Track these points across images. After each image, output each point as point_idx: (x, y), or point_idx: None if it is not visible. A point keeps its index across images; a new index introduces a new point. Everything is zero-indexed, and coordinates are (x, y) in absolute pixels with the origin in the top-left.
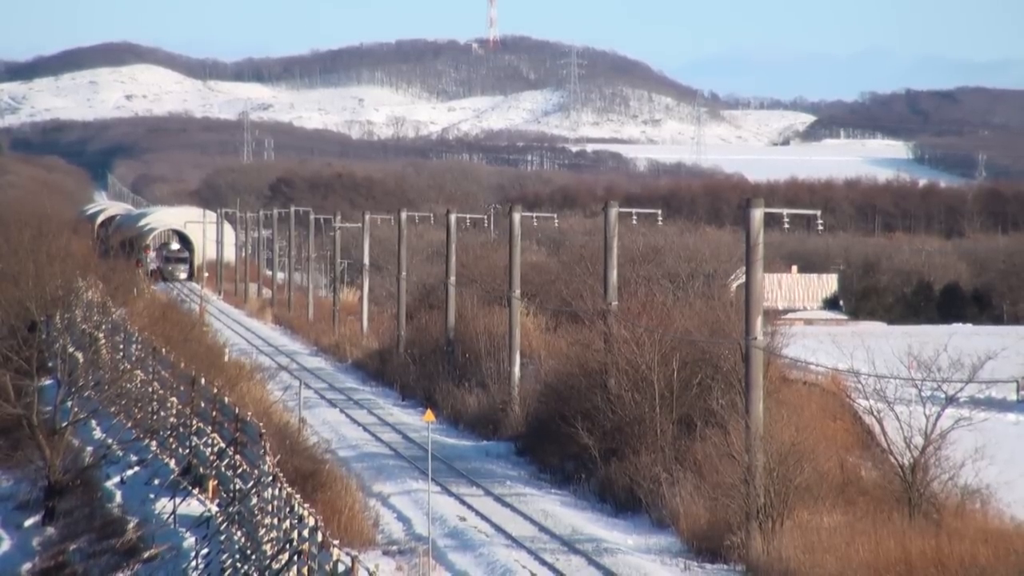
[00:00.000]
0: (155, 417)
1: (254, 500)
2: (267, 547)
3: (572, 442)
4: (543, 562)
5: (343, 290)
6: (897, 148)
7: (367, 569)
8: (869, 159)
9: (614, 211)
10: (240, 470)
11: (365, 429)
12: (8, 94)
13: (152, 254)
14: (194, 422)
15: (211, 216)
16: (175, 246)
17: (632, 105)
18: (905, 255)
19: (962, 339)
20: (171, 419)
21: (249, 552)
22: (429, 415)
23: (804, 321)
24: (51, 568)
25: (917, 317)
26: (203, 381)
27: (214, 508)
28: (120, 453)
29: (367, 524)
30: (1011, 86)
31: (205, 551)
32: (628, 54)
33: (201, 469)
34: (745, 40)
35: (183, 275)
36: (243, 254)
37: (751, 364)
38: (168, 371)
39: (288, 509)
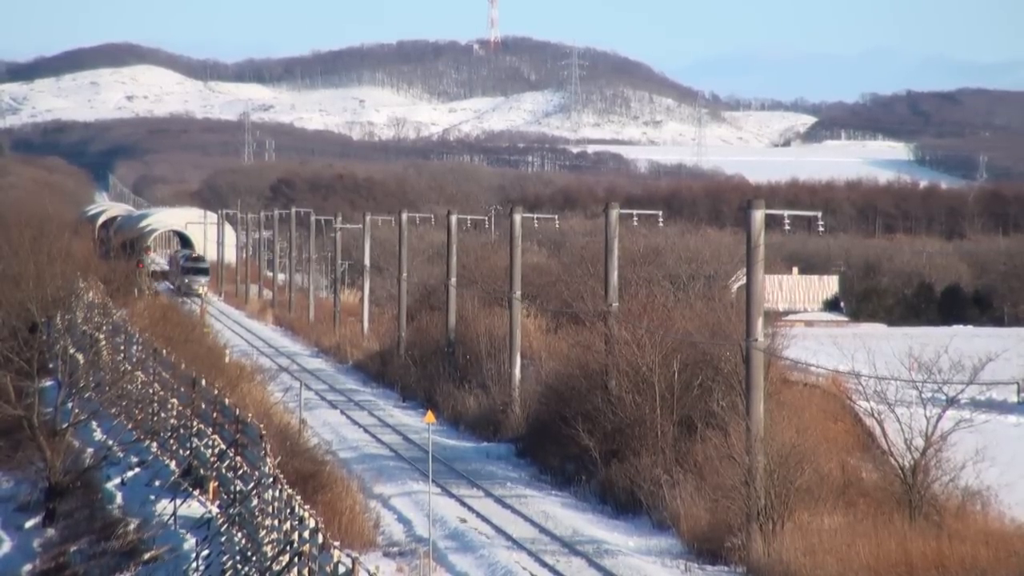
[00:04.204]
0: (156, 418)
1: (255, 501)
2: (268, 548)
3: (573, 443)
4: (544, 564)
5: (344, 291)
6: (898, 149)
7: (368, 570)
8: (870, 160)
9: (615, 212)
10: (241, 471)
11: (366, 430)
12: (9, 95)
13: (155, 257)
14: (195, 423)
15: (212, 217)
16: (194, 253)
17: (633, 106)
18: (906, 256)
19: (963, 341)
20: (172, 420)
21: (250, 553)
22: (430, 416)
23: (805, 323)
24: (52, 569)
25: (918, 319)
26: (204, 382)
27: (215, 509)
28: (121, 454)
29: (368, 526)
30: (1014, 87)
31: (206, 552)
32: (629, 55)
33: (202, 470)
34: (747, 41)
35: (203, 288)
36: (244, 255)
37: (752, 365)
38: (169, 372)
39: (289, 510)
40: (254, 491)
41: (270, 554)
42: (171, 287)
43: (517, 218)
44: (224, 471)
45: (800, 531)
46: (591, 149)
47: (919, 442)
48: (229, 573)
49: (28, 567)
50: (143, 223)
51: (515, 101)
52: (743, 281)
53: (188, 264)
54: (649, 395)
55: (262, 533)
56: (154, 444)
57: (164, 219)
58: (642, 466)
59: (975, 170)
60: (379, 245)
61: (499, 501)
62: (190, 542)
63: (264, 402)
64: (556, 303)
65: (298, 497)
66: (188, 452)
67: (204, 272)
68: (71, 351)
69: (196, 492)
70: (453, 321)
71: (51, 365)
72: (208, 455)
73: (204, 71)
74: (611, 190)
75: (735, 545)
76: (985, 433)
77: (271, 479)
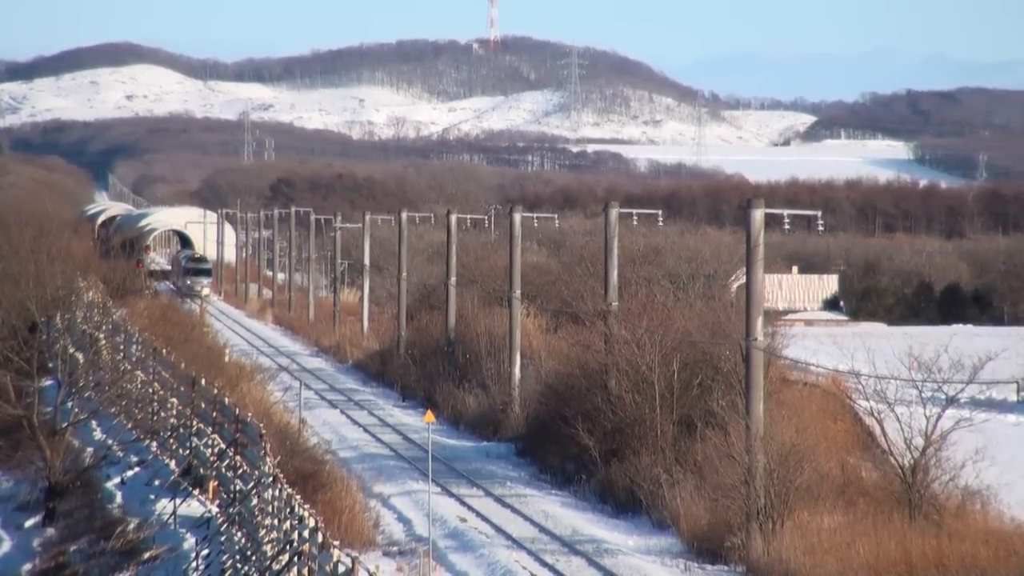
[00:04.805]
0: (155, 418)
1: (254, 501)
2: (267, 548)
3: (572, 443)
4: (543, 563)
5: (343, 291)
6: (898, 149)
7: (367, 570)
8: (870, 160)
9: (614, 212)
10: (240, 471)
11: (365, 430)
12: (9, 94)
13: (155, 256)
14: (194, 423)
15: (212, 216)
16: (196, 253)
17: (633, 106)
18: (906, 256)
19: (963, 340)
20: (171, 420)
21: (249, 553)
22: (429, 416)
23: (804, 322)
24: (51, 569)
25: (918, 318)
26: (203, 382)
27: (214, 509)
28: (120, 454)
29: (367, 525)
30: (1014, 87)
31: (205, 552)
32: (629, 54)
33: (201, 470)
34: (747, 41)
35: (206, 290)
36: (243, 255)
37: (751, 365)
38: (168, 372)
39: (288, 510)
40: (254, 490)
41: (270, 553)
42: (173, 288)
43: (517, 217)
44: (224, 470)
45: (800, 530)
46: (591, 148)
47: (919, 441)
48: (229, 572)
49: (28, 567)
50: (143, 222)
51: (515, 101)
52: (743, 280)
53: (190, 265)
54: (649, 394)
55: (262, 532)
56: (154, 443)
57: (164, 218)
58: (642, 465)
59: (975, 169)
60: (379, 244)
61: (499, 500)
62: (190, 541)
63: (264, 401)
64: (556, 303)
65: (298, 496)
66: (188, 451)
67: (207, 273)
68: (71, 350)
69: (196, 491)
70: (453, 321)
71: (51, 364)
72: (208, 454)
73: (204, 71)
74: (611, 189)
75: (735, 544)
76: (985, 432)
77: (271, 478)
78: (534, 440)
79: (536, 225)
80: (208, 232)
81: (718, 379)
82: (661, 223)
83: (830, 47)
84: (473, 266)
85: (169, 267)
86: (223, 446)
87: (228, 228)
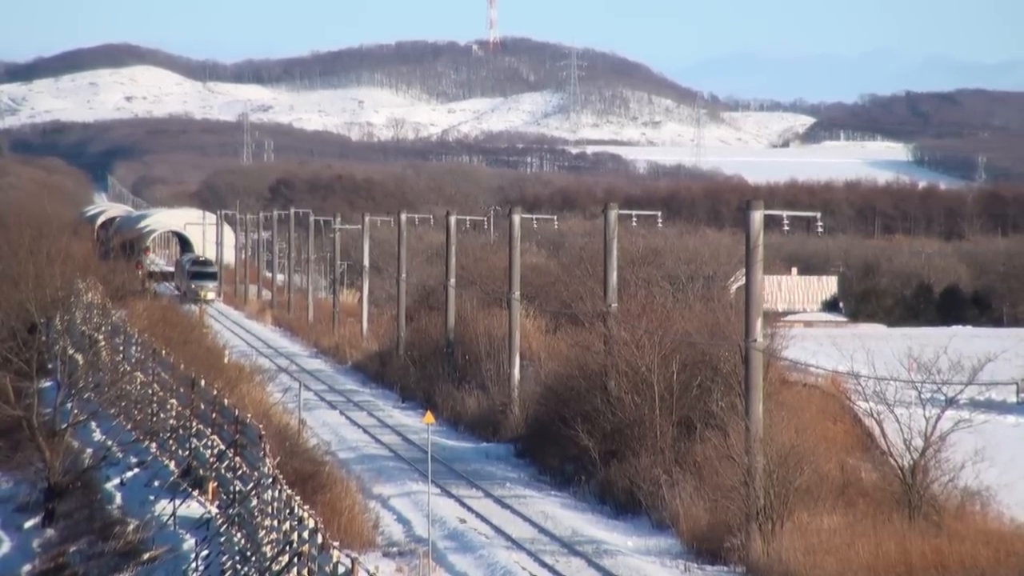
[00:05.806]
0: (155, 419)
1: (254, 502)
2: (267, 549)
3: (572, 444)
4: (543, 564)
5: (343, 292)
6: (897, 150)
7: (367, 571)
8: (869, 161)
9: (614, 213)
10: (240, 472)
11: (365, 431)
12: (8, 95)
13: (154, 258)
14: (194, 424)
15: (211, 218)
16: (200, 256)
17: (632, 107)
18: (905, 257)
19: (962, 341)
20: (171, 421)
21: (249, 554)
22: (429, 417)
23: (804, 323)
24: (51, 570)
25: (917, 319)
26: (203, 383)
27: (214, 510)
28: (120, 455)
29: (367, 526)
30: (1014, 88)
31: (205, 553)
32: (628, 56)
33: (201, 471)
34: (747, 41)
35: (212, 295)
36: (243, 256)
37: (751, 366)
38: (168, 373)
39: (288, 511)
40: (253, 491)
41: (269, 554)
42: (177, 292)
43: (516, 219)
44: (223, 471)
45: (799, 531)
46: (590, 150)
47: (918, 442)
48: (228, 573)
49: (27, 567)
50: (142, 224)
51: (514, 102)
52: (742, 282)
53: (195, 268)
54: (648, 395)
55: (261, 533)
56: (153, 445)
57: (163, 220)
58: (641, 466)
59: (974, 171)
60: (378, 246)
61: (498, 501)
62: (189, 542)
63: (263, 403)
64: (555, 304)
65: (297, 497)
66: (187, 452)
67: (212, 277)
68: (70, 352)
69: (195, 492)
70: (452, 322)
71: (50, 366)
72: (207, 455)
73: (203, 72)
74: (610, 191)
75: (734, 545)
76: (984, 433)
77: (270, 479)
78: (533, 441)
79: (535, 226)
80: (207, 233)
81: (717, 380)
82: (660, 224)
83: (830, 47)
84: (472, 267)
85: (168, 268)
86: (222, 447)
87: (227, 229)
